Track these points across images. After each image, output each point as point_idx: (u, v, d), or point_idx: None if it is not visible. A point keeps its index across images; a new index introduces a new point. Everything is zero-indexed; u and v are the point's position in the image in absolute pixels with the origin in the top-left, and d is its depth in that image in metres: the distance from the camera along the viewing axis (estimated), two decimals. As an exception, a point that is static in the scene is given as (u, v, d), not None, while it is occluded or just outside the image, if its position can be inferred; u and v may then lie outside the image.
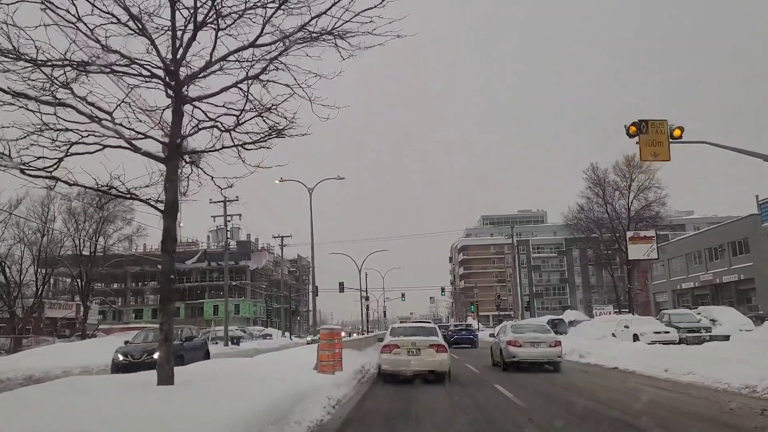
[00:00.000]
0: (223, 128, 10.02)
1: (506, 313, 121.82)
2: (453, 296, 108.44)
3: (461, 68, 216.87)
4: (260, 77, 9.77)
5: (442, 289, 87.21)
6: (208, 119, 9.99)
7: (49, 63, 8.23)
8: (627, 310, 41.62)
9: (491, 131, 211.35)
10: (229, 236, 44.65)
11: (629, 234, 37.78)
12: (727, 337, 23.22)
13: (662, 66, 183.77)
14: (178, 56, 9.42)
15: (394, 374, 14.61)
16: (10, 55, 7.92)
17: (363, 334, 55.79)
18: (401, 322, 23.28)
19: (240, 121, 9.99)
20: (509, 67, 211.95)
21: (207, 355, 23.79)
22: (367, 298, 70.42)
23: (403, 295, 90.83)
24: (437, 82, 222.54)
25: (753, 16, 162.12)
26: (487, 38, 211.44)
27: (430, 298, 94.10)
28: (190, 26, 9.30)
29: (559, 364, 17.72)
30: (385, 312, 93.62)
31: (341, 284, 69.50)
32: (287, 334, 73.31)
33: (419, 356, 14.28)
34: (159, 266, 12.09)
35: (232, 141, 10.04)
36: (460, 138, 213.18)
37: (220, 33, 9.35)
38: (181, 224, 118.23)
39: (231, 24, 9.34)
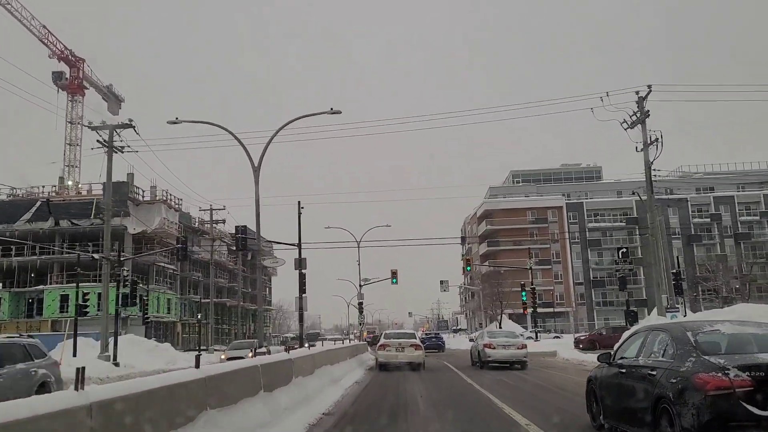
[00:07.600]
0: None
1: (559, 309, 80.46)
2: (477, 281, 67.00)
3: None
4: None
5: (466, 263, 46.29)
6: None
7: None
8: None
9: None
10: None
11: None
12: None
13: None
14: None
15: (387, 364, 21.84)
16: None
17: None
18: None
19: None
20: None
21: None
22: (301, 264, 29.29)
23: (394, 274, 50.62)
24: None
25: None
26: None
27: (441, 282, 53.43)
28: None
29: (525, 363, 22.04)
30: (361, 305, 52.73)
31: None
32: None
33: (404, 352, 21.56)
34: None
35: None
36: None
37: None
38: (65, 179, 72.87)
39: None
